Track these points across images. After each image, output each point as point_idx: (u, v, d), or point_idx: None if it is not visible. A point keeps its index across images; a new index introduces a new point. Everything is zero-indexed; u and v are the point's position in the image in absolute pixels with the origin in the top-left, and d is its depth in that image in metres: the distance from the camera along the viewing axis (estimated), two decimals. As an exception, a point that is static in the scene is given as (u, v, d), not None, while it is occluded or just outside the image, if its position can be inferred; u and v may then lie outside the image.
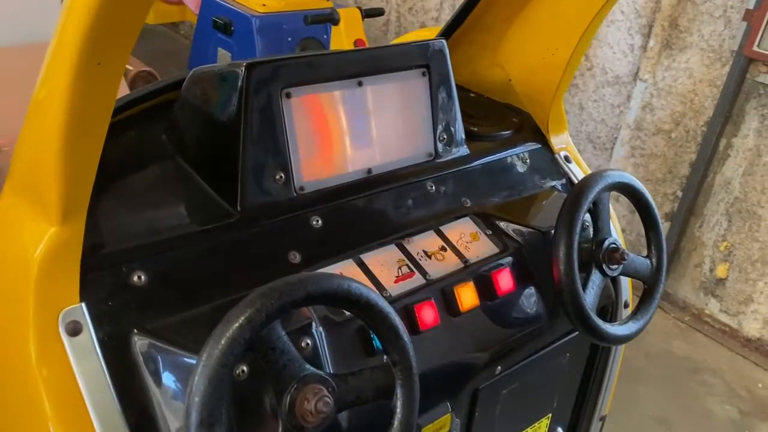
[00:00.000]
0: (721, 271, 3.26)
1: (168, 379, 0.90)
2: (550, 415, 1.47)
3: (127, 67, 2.37)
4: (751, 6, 2.88)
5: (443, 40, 1.31)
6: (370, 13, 3.35)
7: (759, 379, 3.09)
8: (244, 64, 1.06)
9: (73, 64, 0.73)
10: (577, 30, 1.33)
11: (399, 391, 0.91)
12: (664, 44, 3.23)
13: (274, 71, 1.08)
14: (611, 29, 3.42)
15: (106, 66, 0.75)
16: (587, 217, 1.30)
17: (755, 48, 2.88)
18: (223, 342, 0.78)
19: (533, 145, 1.49)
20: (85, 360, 0.86)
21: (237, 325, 0.79)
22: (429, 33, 1.81)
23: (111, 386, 0.87)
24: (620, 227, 3.52)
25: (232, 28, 3.44)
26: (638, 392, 2.91)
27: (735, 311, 3.26)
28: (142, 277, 0.95)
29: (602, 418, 1.63)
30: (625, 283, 1.49)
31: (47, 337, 0.85)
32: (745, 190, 3.10)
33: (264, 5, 3.35)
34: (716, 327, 3.33)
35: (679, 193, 3.32)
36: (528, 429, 1.44)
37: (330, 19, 3.15)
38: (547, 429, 1.49)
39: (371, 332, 1.01)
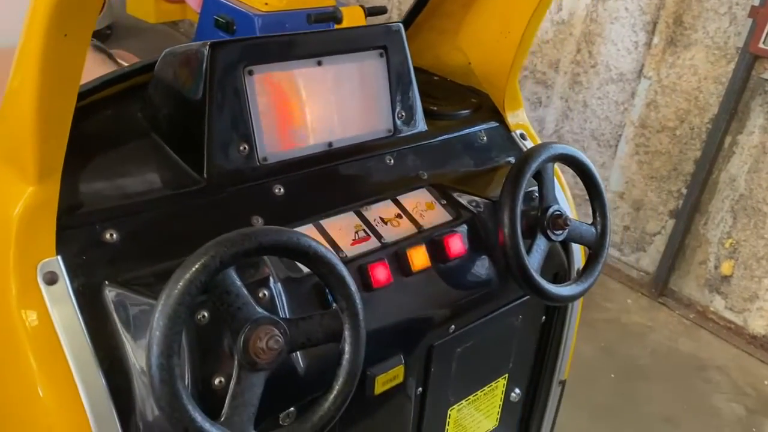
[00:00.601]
0: (726, 268, 3.25)
1: (135, 323, 0.99)
2: (506, 375, 1.54)
3: (125, 64, 2.37)
4: (756, 3, 2.88)
5: (399, 23, 1.40)
6: (372, 12, 3.34)
7: (765, 376, 3.08)
8: (209, 43, 1.16)
9: (42, 36, 0.83)
10: (526, 12, 1.41)
11: (346, 334, 1.00)
12: (669, 41, 3.22)
13: (237, 50, 1.18)
14: (615, 26, 3.41)
15: (72, 37, 0.85)
16: (536, 188, 1.38)
17: (761, 45, 2.87)
18: (180, 284, 0.88)
19: (490, 124, 1.57)
20: (60, 307, 0.96)
21: (193, 269, 0.88)
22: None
23: (84, 330, 0.96)
24: (624, 224, 3.51)
25: (235, 27, 3.43)
26: (643, 390, 2.91)
27: (740, 308, 3.26)
28: (114, 235, 1.04)
29: (561, 383, 1.69)
30: (578, 252, 1.55)
31: (27, 286, 0.95)
32: (751, 187, 3.10)
33: (266, 4, 3.34)
34: (721, 324, 3.33)
35: (684, 191, 3.32)
36: (485, 388, 1.51)
37: (333, 17, 3.14)
38: (504, 389, 1.56)
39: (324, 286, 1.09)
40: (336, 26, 3.39)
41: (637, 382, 2.95)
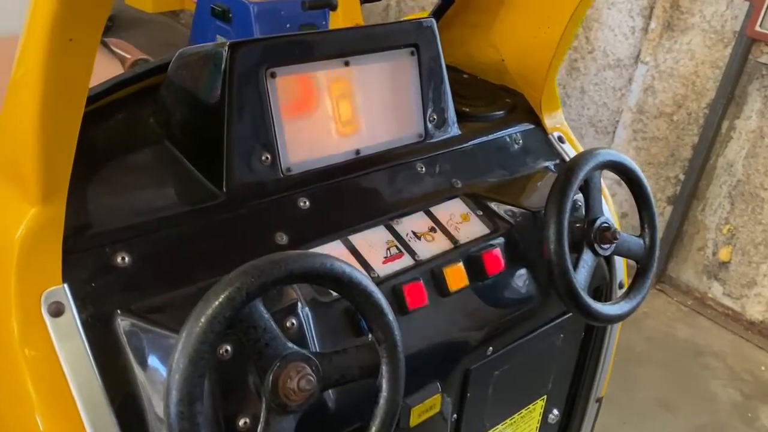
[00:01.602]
0: (724, 254, 3.24)
1: (151, 358, 0.90)
2: (545, 396, 1.47)
3: (125, 55, 2.36)
4: (753, -14, 2.85)
5: (432, 19, 1.29)
6: (368, -1, 3.33)
7: (762, 362, 3.08)
8: (228, 44, 1.05)
9: (45, 42, 0.73)
10: (568, 7, 1.31)
11: (384, 369, 0.91)
12: (666, 26, 3.20)
13: (258, 51, 1.07)
14: (612, 11, 3.39)
15: (79, 42, 0.75)
16: (580, 197, 1.29)
17: (758, 28, 2.84)
18: (202, 320, 0.78)
19: (526, 126, 1.48)
20: (67, 341, 0.86)
21: (217, 303, 0.79)
22: (424, 15, 1.80)
23: (94, 366, 0.87)
24: (621, 210, 3.50)
25: (230, 15, 3.43)
26: (640, 376, 2.91)
27: (738, 294, 3.25)
28: (126, 258, 0.94)
29: (599, 400, 1.62)
30: (620, 263, 1.48)
31: (30, 319, 0.85)
32: (748, 173, 3.08)
33: (262, -9, 3.33)
34: (719, 310, 3.32)
35: (682, 177, 3.30)
36: (522, 411, 1.43)
37: (328, 4, 3.13)
38: (542, 411, 1.49)
39: (358, 313, 1.00)
40: (331, 13, 3.38)
41: (634, 368, 2.94)
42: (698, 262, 3.36)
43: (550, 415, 1.51)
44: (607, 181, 1.44)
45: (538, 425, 1.50)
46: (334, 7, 3.20)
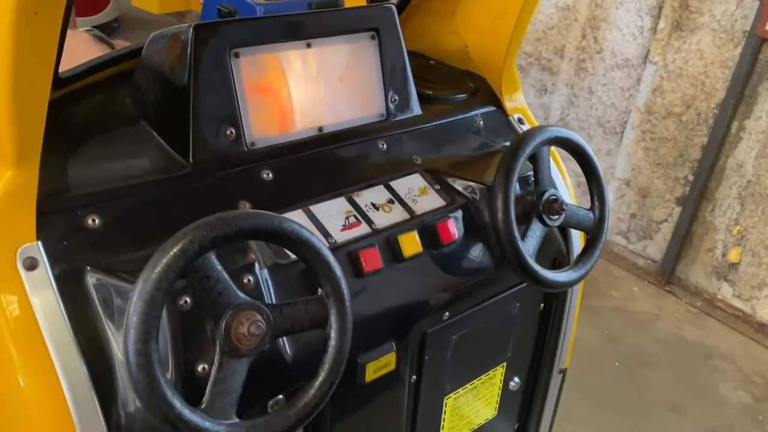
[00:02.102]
0: (733, 255, 3.22)
1: (118, 309, 0.97)
2: (505, 364, 1.52)
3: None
4: (763, -15, 2.83)
5: (392, 4, 1.35)
6: (374, -1, 3.32)
7: (772, 364, 3.06)
8: (193, 25, 1.13)
9: (12, 16, 0.80)
10: None
11: (332, 320, 0.98)
12: (675, 25, 3.18)
13: (222, 32, 1.15)
14: (620, 11, 3.37)
15: (43, 15, 0.82)
16: (533, 173, 1.35)
17: (768, 28, 2.82)
18: (158, 268, 0.86)
19: (488, 108, 1.53)
20: (41, 292, 0.93)
21: (171, 253, 0.86)
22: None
23: (65, 316, 0.94)
24: (630, 212, 3.47)
25: (237, 16, 3.41)
26: (650, 378, 2.89)
27: (748, 296, 3.23)
28: (96, 220, 1.02)
29: (562, 371, 1.66)
30: (577, 238, 1.52)
31: (6, 271, 0.93)
32: (758, 173, 3.06)
33: (268, -7, 3.33)
34: (729, 312, 3.30)
35: (691, 177, 3.28)
36: (482, 377, 1.48)
37: (334, 5, 3.12)
38: (502, 378, 1.53)
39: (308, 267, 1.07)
40: (337, 13, 3.36)
41: (643, 370, 2.93)
42: (707, 264, 3.34)
43: (511, 383, 1.56)
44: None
45: (500, 392, 1.55)
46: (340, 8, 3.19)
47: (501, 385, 1.54)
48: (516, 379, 1.57)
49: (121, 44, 2.47)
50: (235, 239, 0.93)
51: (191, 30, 1.12)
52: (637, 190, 3.53)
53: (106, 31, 2.88)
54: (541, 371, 1.63)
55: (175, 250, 0.87)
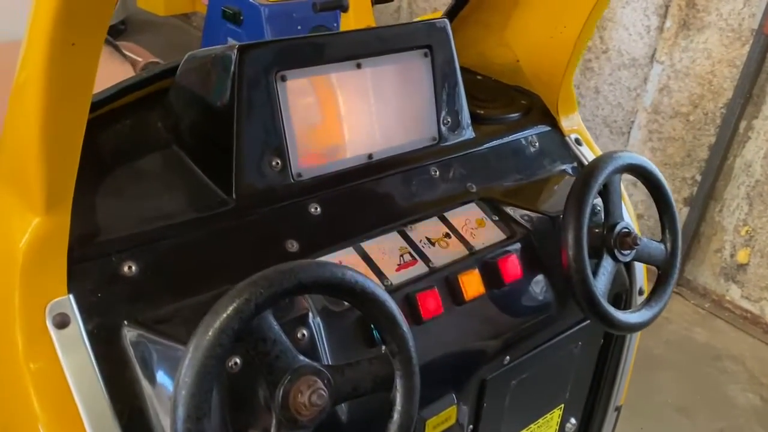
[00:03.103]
0: (742, 256, 3.19)
1: (159, 371, 0.88)
2: (562, 405, 1.44)
3: (136, 58, 2.35)
4: (771, -17, 2.80)
5: (446, 20, 1.27)
6: (380, 0, 3.31)
7: (782, 366, 3.03)
8: (237, 46, 1.03)
9: (46, 46, 0.71)
10: (586, 5, 1.28)
11: (398, 382, 0.88)
12: (682, 25, 3.16)
13: (268, 54, 1.05)
14: (627, 10, 3.35)
15: (81, 46, 0.73)
16: (598, 201, 1.26)
17: (776, 26, 2.79)
18: (210, 333, 0.76)
19: (542, 128, 1.45)
20: (73, 353, 0.84)
21: (225, 315, 0.76)
22: (437, 16, 1.79)
23: (100, 379, 0.85)
24: (636, 212, 3.46)
25: (242, 17, 3.42)
26: (658, 380, 2.86)
27: (757, 297, 3.19)
28: (133, 267, 0.93)
29: (617, 409, 1.59)
30: (640, 269, 1.44)
31: (34, 330, 0.84)
32: (767, 173, 3.02)
33: (273, -7, 3.33)
34: (737, 313, 3.26)
35: (698, 177, 3.25)
36: (540, 420, 1.41)
37: (339, 6, 3.11)
38: (559, 420, 1.46)
39: (370, 323, 0.98)
40: (342, 15, 3.37)
41: (651, 371, 2.90)
42: (716, 264, 3.31)
43: (568, 424, 1.48)
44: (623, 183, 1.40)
45: None
46: (345, 9, 3.19)
47: (557, 427, 1.46)
48: (572, 420, 1.49)
49: (128, 46, 2.47)
50: (294, 294, 0.84)
51: (236, 51, 1.03)
52: (644, 191, 3.51)
53: (112, 34, 2.87)
54: (596, 409, 1.55)
55: (229, 310, 0.77)
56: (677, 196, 3.37)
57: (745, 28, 2.96)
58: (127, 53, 2.30)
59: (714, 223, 3.26)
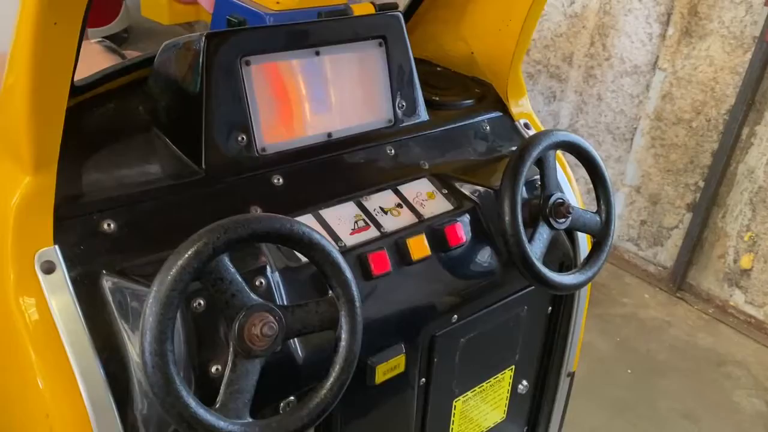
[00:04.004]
0: (745, 261, 3.20)
1: (133, 312, 0.99)
2: (513, 367, 1.53)
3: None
4: (772, -9, 2.82)
5: (399, 12, 1.40)
6: (383, 8, 3.32)
7: (787, 372, 3.03)
8: (205, 34, 1.16)
9: (32, 25, 0.83)
10: (526, 1, 1.40)
11: (343, 321, 0.99)
12: (684, 32, 3.18)
13: (233, 41, 1.18)
14: (629, 18, 3.38)
15: (62, 25, 0.85)
16: (539, 177, 1.36)
17: (777, 34, 2.81)
18: (173, 270, 0.88)
19: (494, 114, 1.56)
20: (58, 295, 0.96)
21: (186, 255, 0.88)
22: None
23: (82, 318, 0.97)
24: (640, 219, 3.46)
25: (247, 26, 3.44)
26: (662, 386, 2.87)
27: (761, 302, 3.20)
28: (112, 225, 1.05)
29: (570, 374, 1.67)
30: (583, 241, 1.53)
31: (24, 275, 0.96)
32: (770, 179, 3.04)
33: (278, 3, 3.36)
34: (741, 318, 3.27)
35: (701, 183, 3.27)
36: (491, 380, 1.49)
37: (343, 14, 3.13)
38: (510, 381, 1.54)
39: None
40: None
41: (655, 377, 2.91)
42: (719, 270, 3.32)
43: (519, 386, 1.57)
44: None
45: (508, 395, 1.56)
46: (350, 18, 3.20)
47: (509, 388, 1.55)
48: (524, 383, 1.58)
49: (132, 54, 2.49)
50: (248, 242, 0.95)
51: (203, 39, 1.15)
52: (647, 197, 3.52)
53: (116, 42, 2.90)
54: (549, 374, 1.64)
55: (189, 252, 0.89)
56: (680, 202, 3.39)
57: (747, 35, 2.98)
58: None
59: (717, 228, 3.28)
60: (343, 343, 0.99)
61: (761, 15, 2.89)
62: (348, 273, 1.00)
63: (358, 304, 1.00)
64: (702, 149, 3.26)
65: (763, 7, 2.87)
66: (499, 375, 1.50)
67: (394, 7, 3.59)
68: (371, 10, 3.33)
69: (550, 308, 1.56)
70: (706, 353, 3.10)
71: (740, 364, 3.04)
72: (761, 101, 3.00)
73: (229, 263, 0.95)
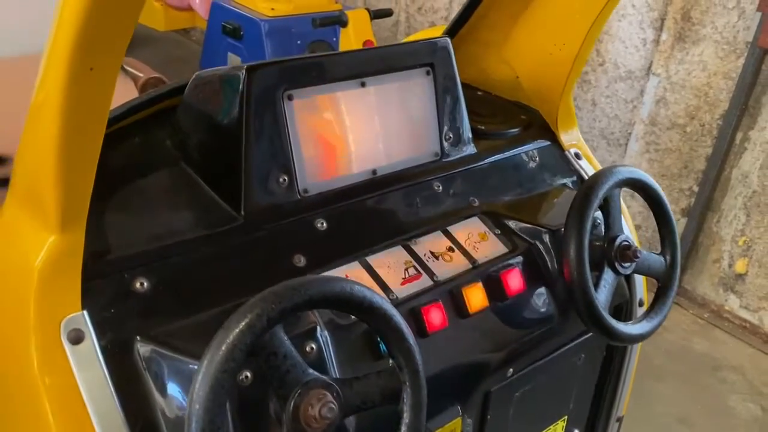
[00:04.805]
0: (740, 266, 3.21)
1: (171, 386, 0.89)
2: (565, 417, 1.45)
3: (137, 73, 2.37)
4: (765, -4, 2.84)
5: (447, 38, 1.29)
6: (378, 14, 3.34)
7: (782, 376, 3.04)
8: (245, 67, 1.06)
9: (65, 70, 0.73)
10: (585, 23, 1.31)
11: (406, 395, 0.90)
12: (677, 37, 3.19)
13: (275, 73, 1.08)
14: (623, 24, 3.39)
15: (99, 71, 0.75)
16: (599, 214, 1.28)
17: (770, 39, 2.83)
18: (223, 348, 0.78)
19: (542, 143, 1.48)
20: (87, 368, 0.86)
21: (237, 330, 0.78)
22: (436, 32, 1.81)
23: (114, 394, 0.86)
24: (633, 222, 3.48)
25: (242, 32, 3.44)
26: (658, 391, 2.87)
27: (755, 307, 3.21)
28: (145, 283, 0.94)
29: (619, 419, 1.61)
30: (640, 281, 1.46)
31: (49, 346, 0.85)
32: (764, 184, 3.05)
33: (273, 9, 3.35)
34: (736, 323, 3.28)
35: (696, 188, 3.28)
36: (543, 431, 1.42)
37: (338, 21, 3.14)
38: (563, 431, 1.48)
39: (377, 336, 1.00)
40: (341, 30, 3.40)
41: (651, 382, 2.91)
42: (714, 275, 3.32)
43: None
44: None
45: None
46: (344, 24, 3.22)
47: None
48: (575, 431, 1.51)
49: (129, 62, 2.48)
50: (304, 309, 0.86)
51: (244, 71, 1.05)
52: (641, 202, 3.53)
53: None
54: (599, 420, 1.57)
55: (241, 326, 0.79)
56: (675, 207, 3.39)
57: (740, 40, 2.99)
58: (128, 68, 2.31)
59: (712, 233, 3.28)
60: (406, 421, 0.90)
61: (754, 20, 2.90)
62: (411, 340, 0.91)
63: (422, 374, 0.91)
64: (696, 154, 3.27)
65: (756, 13, 2.89)
66: (551, 426, 1.43)
67: (390, 13, 3.60)
68: (366, 16, 3.34)
69: (604, 353, 1.49)
70: (702, 358, 3.10)
71: (735, 369, 3.05)
72: (754, 106, 3.01)
73: (283, 335, 0.85)
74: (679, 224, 3.39)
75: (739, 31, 2.99)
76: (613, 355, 1.51)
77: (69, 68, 0.73)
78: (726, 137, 3.07)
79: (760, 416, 2.82)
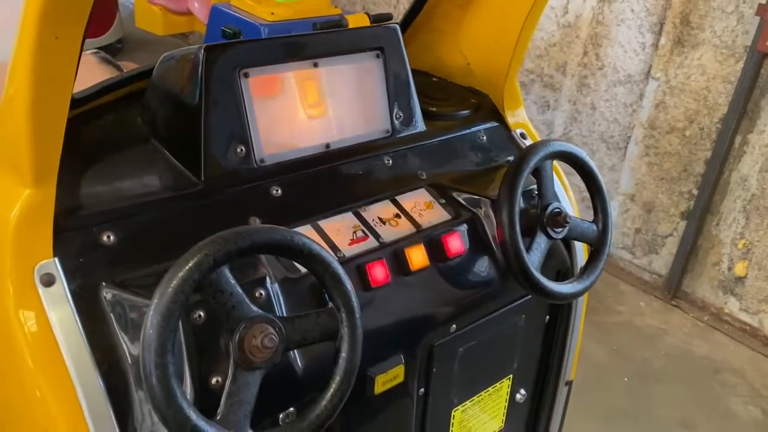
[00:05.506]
0: (739, 269, 3.21)
1: (132, 324, 1.00)
2: (511, 376, 1.53)
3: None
4: (763, 0, 2.85)
5: (396, 24, 1.40)
6: (378, 18, 3.35)
7: (782, 379, 3.04)
8: (204, 46, 1.17)
9: (33, 40, 0.83)
10: (522, 11, 1.41)
11: (343, 332, 1.00)
12: (676, 41, 3.21)
13: (232, 53, 1.19)
14: (622, 28, 3.40)
15: (63, 39, 0.86)
16: (537, 187, 1.37)
17: (769, 43, 2.84)
18: (174, 282, 0.88)
19: (490, 123, 1.57)
20: (58, 308, 0.96)
21: (187, 267, 0.89)
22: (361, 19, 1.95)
23: (82, 331, 0.97)
24: (635, 226, 3.47)
25: (241, 37, 3.44)
26: (659, 393, 2.88)
27: (755, 309, 3.22)
28: (111, 237, 1.05)
29: (568, 383, 1.67)
30: (580, 250, 1.54)
31: (24, 287, 0.96)
32: (763, 187, 3.06)
33: (272, 14, 3.37)
34: (736, 326, 3.28)
35: (695, 192, 3.29)
36: (489, 389, 1.50)
37: (338, 25, 3.15)
38: (509, 390, 1.55)
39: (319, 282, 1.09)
40: (341, 33, 3.39)
41: (652, 385, 2.92)
42: (714, 278, 3.33)
43: (518, 395, 1.57)
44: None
45: (506, 404, 1.57)
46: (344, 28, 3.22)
47: (507, 397, 1.56)
48: (522, 391, 1.58)
49: (127, 65, 2.49)
50: (249, 253, 0.95)
51: (202, 51, 1.16)
52: (641, 205, 3.54)
53: (110, 53, 2.90)
54: (547, 383, 1.65)
55: (190, 264, 0.89)
56: (674, 210, 3.40)
57: (739, 44, 3.01)
58: (128, 73, 2.31)
59: (711, 236, 3.29)
60: (343, 354, 1.00)
61: (752, 24, 2.92)
62: (348, 284, 1.01)
63: (358, 315, 1.01)
64: (695, 157, 3.28)
65: (755, 17, 2.90)
66: (497, 384, 1.51)
67: (389, 18, 3.62)
68: (366, 20, 3.35)
69: (547, 317, 1.57)
70: (702, 361, 3.11)
71: (736, 372, 3.05)
72: (753, 110, 3.03)
73: (229, 275, 0.95)
74: (679, 227, 3.40)
75: (738, 35, 3.01)
76: (556, 320, 1.58)
77: (37, 37, 0.83)
78: (725, 141, 3.09)
79: (761, 419, 2.82)
